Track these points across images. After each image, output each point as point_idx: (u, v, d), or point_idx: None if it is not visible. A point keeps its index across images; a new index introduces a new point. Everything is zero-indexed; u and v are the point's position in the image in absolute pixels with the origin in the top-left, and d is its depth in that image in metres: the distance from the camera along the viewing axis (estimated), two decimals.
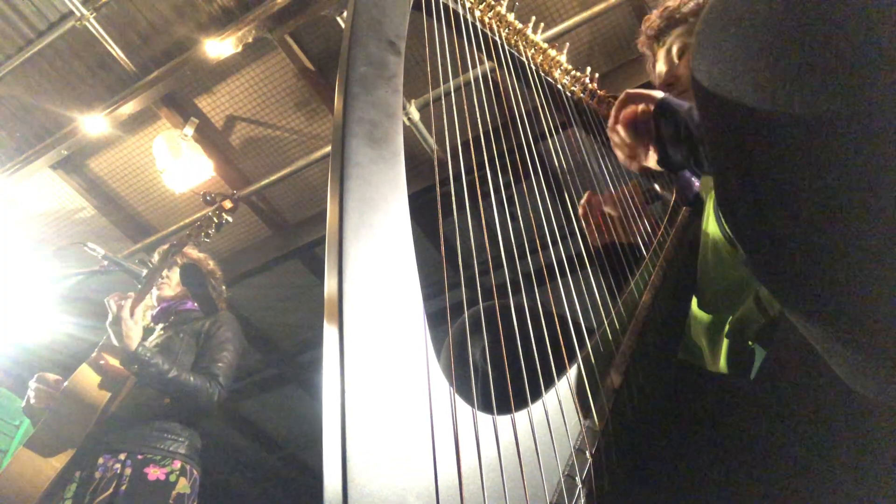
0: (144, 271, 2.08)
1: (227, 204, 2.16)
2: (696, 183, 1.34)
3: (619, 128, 1.00)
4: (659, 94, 0.95)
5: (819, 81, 0.39)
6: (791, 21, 0.40)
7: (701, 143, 0.86)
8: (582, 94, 1.26)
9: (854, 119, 0.38)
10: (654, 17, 1.26)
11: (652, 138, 0.95)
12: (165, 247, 2.20)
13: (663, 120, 0.91)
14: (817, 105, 0.39)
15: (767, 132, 0.42)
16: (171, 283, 2.32)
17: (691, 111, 0.88)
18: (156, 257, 2.25)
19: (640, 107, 0.97)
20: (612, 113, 1.01)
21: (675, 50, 1.22)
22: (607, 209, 1.22)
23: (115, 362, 1.94)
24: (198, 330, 2.15)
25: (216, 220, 2.14)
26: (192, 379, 1.95)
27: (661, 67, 1.26)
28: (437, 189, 0.66)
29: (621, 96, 1.00)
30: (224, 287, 2.41)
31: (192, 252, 2.33)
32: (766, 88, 0.41)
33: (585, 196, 1.24)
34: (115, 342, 1.90)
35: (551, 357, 0.58)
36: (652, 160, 0.98)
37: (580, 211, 1.25)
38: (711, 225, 1.01)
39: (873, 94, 0.37)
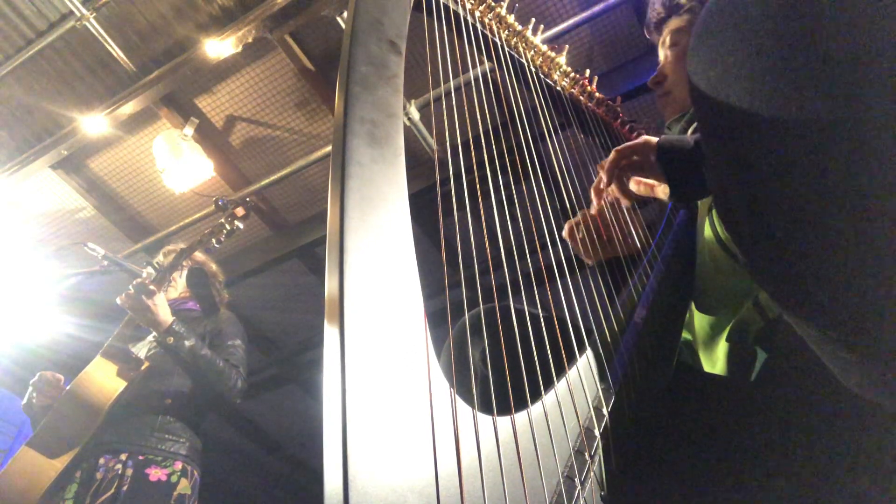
0: (145, 272, 2.08)
1: (240, 211, 2.17)
2: None
3: (617, 189, 0.93)
4: (651, 140, 0.91)
5: (815, 85, 0.39)
6: (787, 25, 0.40)
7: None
8: (581, 97, 1.26)
9: (850, 122, 0.38)
10: (658, 6, 1.26)
11: (657, 177, 0.90)
12: (174, 249, 2.21)
13: (670, 163, 0.87)
14: (814, 108, 0.39)
15: (764, 136, 0.42)
16: (178, 287, 2.35)
17: (700, 142, 0.84)
18: (161, 257, 2.25)
19: (635, 158, 0.92)
20: (606, 173, 0.94)
21: (668, 46, 1.22)
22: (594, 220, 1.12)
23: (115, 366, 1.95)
24: (202, 332, 2.16)
25: (228, 227, 2.15)
26: (219, 362, 1.98)
27: (660, 58, 1.26)
28: (438, 189, 0.66)
29: (612, 156, 0.93)
30: (225, 291, 2.43)
31: (199, 255, 2.35)
32: (762, 92, 0.41)
33: (568, 225, 1.14)
34: (143, 322, 1.92)
35: (550, 358, 0.58)
36: (662, 194, 0.93)
37: (565, 233, 1.15)
38: (707, 229, 1.01)
39: (870, 98, 0.37)
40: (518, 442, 0.48)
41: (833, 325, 0.46)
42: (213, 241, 2.14)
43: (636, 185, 0.94)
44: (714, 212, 0.99)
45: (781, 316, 0.87)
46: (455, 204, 0.59)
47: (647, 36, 1.31)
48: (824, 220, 0.41)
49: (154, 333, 1.98)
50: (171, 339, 1.91)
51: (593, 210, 1.04)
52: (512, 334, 0.55)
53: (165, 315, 1.93)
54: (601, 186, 0.98)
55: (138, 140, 3.67)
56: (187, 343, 1.93)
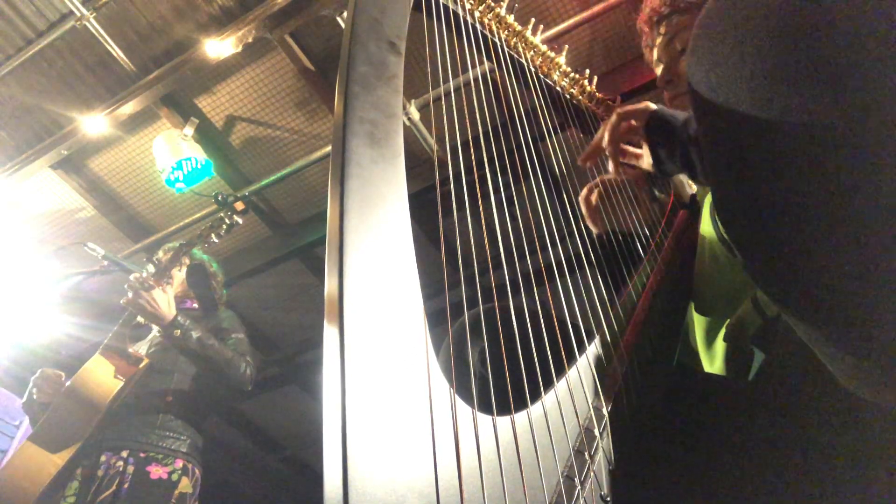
0: (145, 272, 2.08)
1: (239, 205, 2.18)
2: (694, 185, 1.34)
3: (610, 146, 0.98)
4: (651, 106, 0.93)
5: (815, 88, 0.39)
6: (787, 28, 0.40)
7: (696, 156, 0.84)
8: (581, 97, 1.26)
9: (850, 125, 0.38)
10: (657, 1, 1.23)
11: (646, 145, 0.93)
12: (174, 245, 2.21)
13: (655, 134, 0.90)
14: (813, 111, 0.39)
15: (764, 138, 0.42)
16: (175, 283, 2.34)
17: (687, 123, 0.87)
18: (160, 254, 2.26)
19: (633, 122, 0.95)
20: (607, 133, 0.98)
21: (677, 44, 1.19)
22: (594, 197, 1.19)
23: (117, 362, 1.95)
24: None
25: (227, 222, 2.16)
26: (227, 351, 1.99)
27: (658, 56, 1.23)
28: (437, 189, 0.66)
29: (613, 117, 0.98)
30: (224, 291, 2.43)
31: (198, 253, 2.35)
32: (762, 95, 0.41)
33: (587, 187, 1.21)
34: (145, 318, 1.93)
35: (550, 358, 0.58)
36: (646, 164, 0.96)
37: (582, 196, 1.21)
38: (707, 228, 1.01)
39: (868, 100, 0.37)
40: (518, 442, 0.48)
41: (831, 324, 0.46)
42: (213, 235, 2.14)
43: (623, 154, 0.99)
44: (715, 210, 0.99)
45: (779, 315, 0.87)
46: (455, 204, 0.59)
47: (638, 23, 1.28)
48: (824, 221, 0.42)
49: (157, 330, 1.98)
50: (178, 332, 1.91)
51: (582, 160, 1.07)
52: (511, 334, 0.55)
53: (169, 309, 1.93)
54: (601, 145, 1.02)
55: (138, 140, 3.67)
56: (195, 334, 1.93)
